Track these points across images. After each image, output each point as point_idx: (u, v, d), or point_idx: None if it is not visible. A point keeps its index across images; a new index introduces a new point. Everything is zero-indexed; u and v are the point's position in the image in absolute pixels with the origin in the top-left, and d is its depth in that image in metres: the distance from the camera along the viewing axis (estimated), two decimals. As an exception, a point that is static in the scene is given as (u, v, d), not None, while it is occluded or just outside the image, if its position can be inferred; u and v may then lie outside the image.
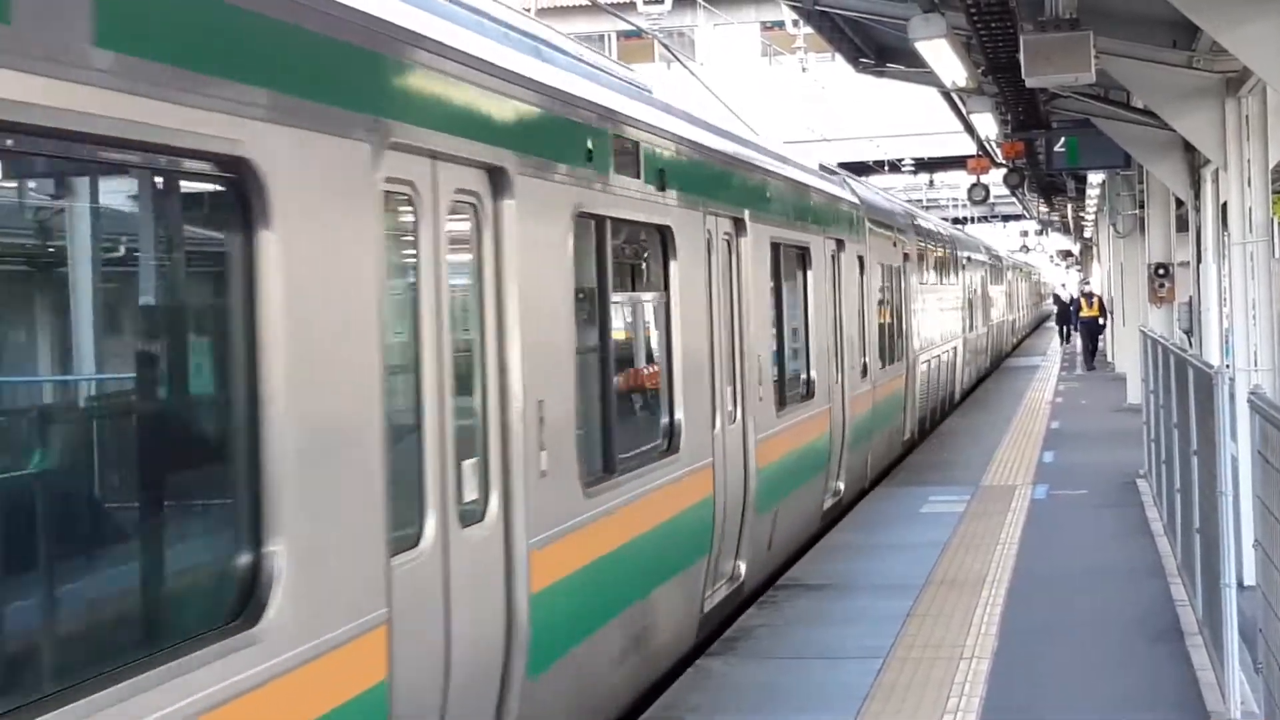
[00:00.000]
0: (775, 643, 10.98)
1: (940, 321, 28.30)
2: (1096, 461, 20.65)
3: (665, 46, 27.83)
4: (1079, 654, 10.40)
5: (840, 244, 16.72)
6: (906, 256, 23.04)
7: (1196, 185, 18.36)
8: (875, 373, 18.90)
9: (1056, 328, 60.15)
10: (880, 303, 20.06)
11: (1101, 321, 42.41)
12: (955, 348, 30.72)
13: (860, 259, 18.16)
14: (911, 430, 22.89)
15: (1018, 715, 9.04)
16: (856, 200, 18.47)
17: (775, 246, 13.43)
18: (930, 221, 30.44)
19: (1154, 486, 16.33)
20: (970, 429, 26.03)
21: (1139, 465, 18.66)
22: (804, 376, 14.90)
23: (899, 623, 11.37)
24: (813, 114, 40.35)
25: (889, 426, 20.40)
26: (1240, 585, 9.15)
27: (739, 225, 12.05)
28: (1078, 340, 53.59)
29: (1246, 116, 13.57)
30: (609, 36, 50.67)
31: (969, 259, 35.83)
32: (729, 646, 10.84)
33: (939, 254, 28.92)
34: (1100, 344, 43.11)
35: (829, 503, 16.00)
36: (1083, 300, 44.17)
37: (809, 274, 15.06)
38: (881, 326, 19.96)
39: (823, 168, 18.48)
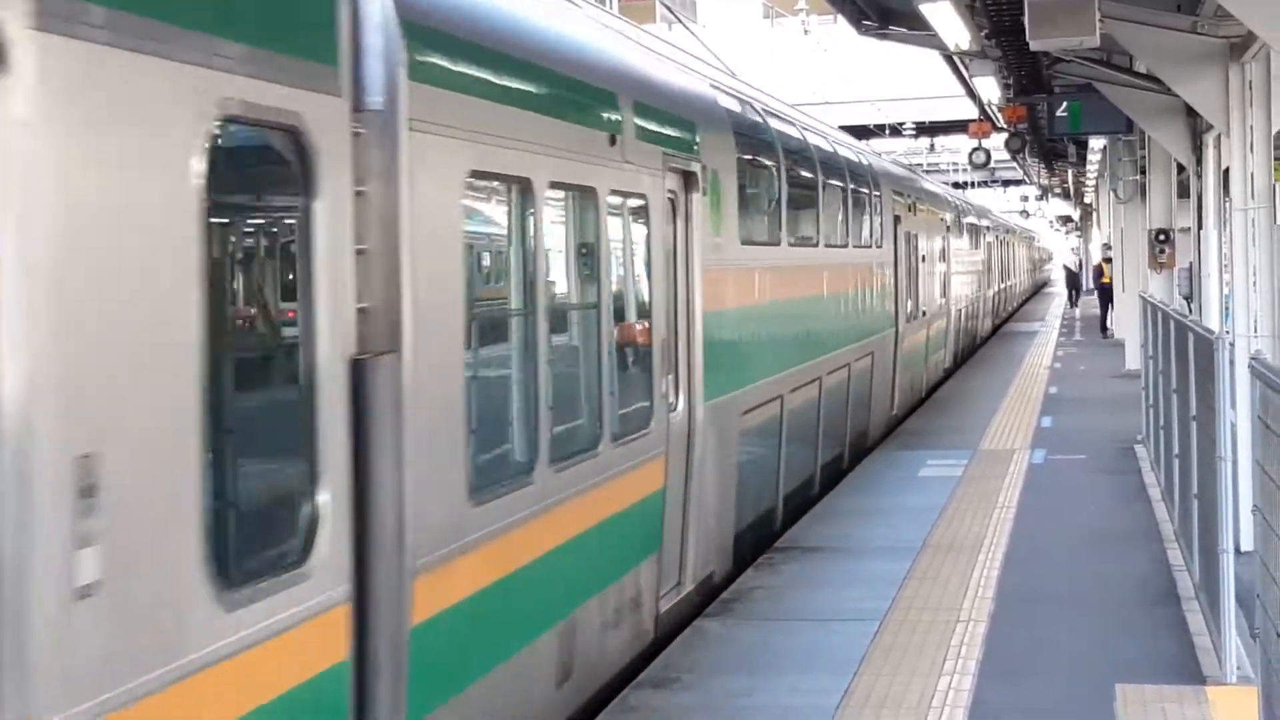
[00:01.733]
0: (772, 605, 11.00)
1: (817, 323, 15.43)
2: (1095, 427, 20.66)
3: (667, 8, 27.76)
4: (1075, 618, 10.42)
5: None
6: (691, 183, 10.70)
7: (1198, 151, 18.33)
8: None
9: (1066, 293, 62.13)
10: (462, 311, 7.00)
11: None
12: (872, 355, 18.79)
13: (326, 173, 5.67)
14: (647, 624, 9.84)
15: (1014, 678, 9.06)
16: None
17: None
18: (787, 120, 15.34)
19: (1152, 452, 16.34)
20: (968, 393, 26.03)
21: (1137, 431, 18.66)
22: None
23: (896, 585, 11.39)
24: (815, 76, 40.25)
25: None
26: (1238, 550, 9.16)
27: None
28: (1079, 309, 53.90)
29: (1250, 82, 13.53)
30: (610, -3, 50.48)
31: (913, 208, 23.27)
32: (726, 608, 10.86)
33: (821, 191, 15.84)
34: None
35: None
36: (1104, 265, 42.76)
37: None
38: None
39: None
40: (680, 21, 22.39)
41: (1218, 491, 9.15)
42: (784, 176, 13.98)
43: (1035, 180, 58.76)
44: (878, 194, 19.70)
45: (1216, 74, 13.92)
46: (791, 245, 14.27)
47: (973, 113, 30.99)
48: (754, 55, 37.63)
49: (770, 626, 10.36)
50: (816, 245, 15.56)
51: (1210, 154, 17.05)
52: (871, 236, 19.16)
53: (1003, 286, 48.28)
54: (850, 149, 19.27)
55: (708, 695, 8.82)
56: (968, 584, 11.43)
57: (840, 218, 17.12)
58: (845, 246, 17.24)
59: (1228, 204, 14.49)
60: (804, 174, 15.26)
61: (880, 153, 25.88)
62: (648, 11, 48.97)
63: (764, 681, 9.06)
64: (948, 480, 16.33)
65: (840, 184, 17.07)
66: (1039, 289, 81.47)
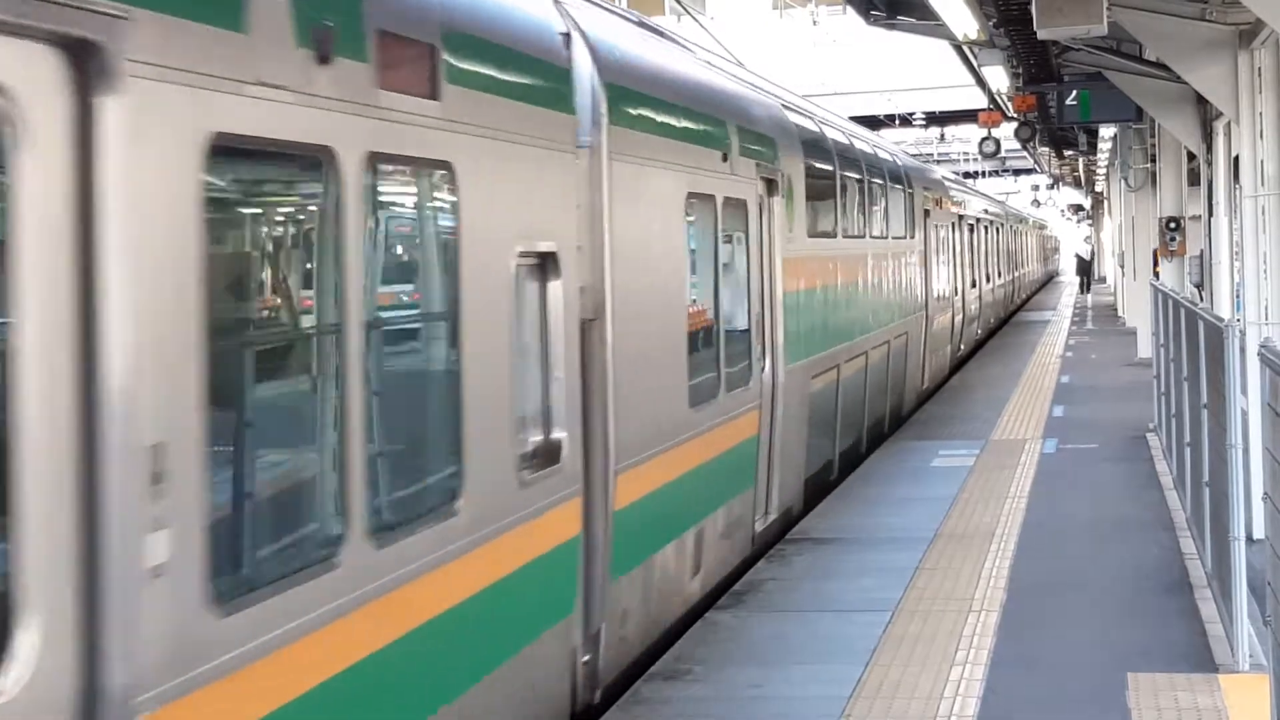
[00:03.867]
0: (784, 596, 11.01)
1: None
2: (1107, 416, 20.64)
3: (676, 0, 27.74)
4: (1087, 607, 10.42)
5: None
6: None
7: (1208, 138, 18.28)
8: None
9: (1078, 281, 63.19)
10: None
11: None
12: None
13: None
14: None
15: (1026, 667, 9.07)
16: None
17: None
18: None
19: (1164, 440, 16.32)
20: (980, 383, 26.01)
21: (1149, 419, 18.64)
22: None
23: (908, 576, 11.40)
24: (825, 67, 40.24)
25: None
26: (1249, 539, 9.16)
27: None
28: (1090, 296, 54.07)
29: (1259, 69, 13.49)
30: (619, -11, 50.44)
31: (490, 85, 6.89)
32: (738, 599, 10.87)
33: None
34: None
35: None
36: None
37: None
38: None
39: None
40: (689, 13, 22.39)
41: (1228, 479, 9.14)
42: None
43: (1046, 169, 58.72)
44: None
45: (1226, 61, 13.89)
46: None
47: (982, 102, 30.98)
48: (763, 47, 37.61)
49: (782, 617, 10.37)
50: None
51: (1220, 141, 17.01)
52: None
53: (981, 293, 34.03)
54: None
55: (719, 687, 8.83)
56: (980, 574, 11.43)
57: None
58: None
59: (1238, 191, 14.47)
60: None
61: None
62: (656, 2, 48.93)
63: (776, 673, 9.07)
64: (959, 470, 16.33)
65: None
66: (1042, 286, 73.92)
